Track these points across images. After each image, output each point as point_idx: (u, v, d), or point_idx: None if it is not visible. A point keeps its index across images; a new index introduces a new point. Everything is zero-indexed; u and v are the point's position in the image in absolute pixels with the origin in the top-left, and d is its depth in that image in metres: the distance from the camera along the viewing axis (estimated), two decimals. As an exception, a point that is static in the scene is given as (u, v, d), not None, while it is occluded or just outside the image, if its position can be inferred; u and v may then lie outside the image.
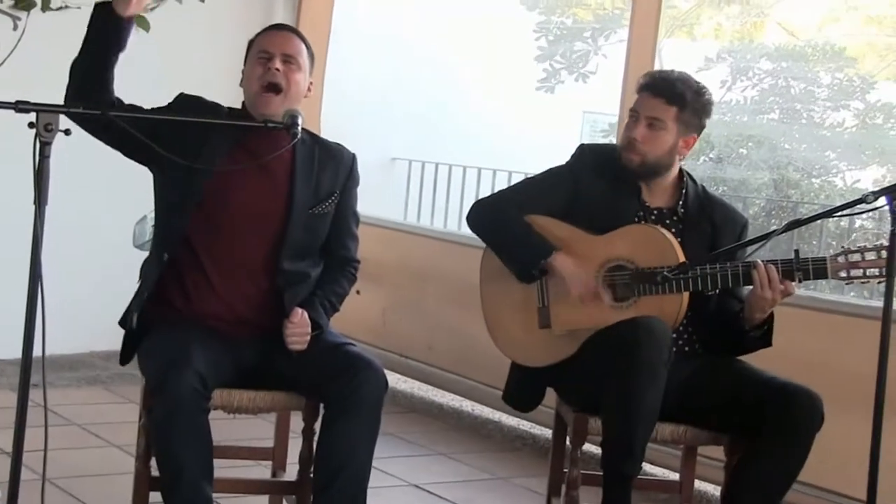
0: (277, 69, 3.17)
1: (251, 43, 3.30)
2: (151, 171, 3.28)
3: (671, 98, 3.28)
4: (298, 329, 3.14)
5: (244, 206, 3.19)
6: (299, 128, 3.04)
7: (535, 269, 3.33)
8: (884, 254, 2.95)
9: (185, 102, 3.23)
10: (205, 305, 3.19)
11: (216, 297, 3.18)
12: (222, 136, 3.19)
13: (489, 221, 3.45)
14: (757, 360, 3.31)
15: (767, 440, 3.09)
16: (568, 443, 3.37)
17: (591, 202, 3.35)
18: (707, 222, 3.38)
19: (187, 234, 3.18)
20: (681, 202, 3.39)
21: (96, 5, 3.06)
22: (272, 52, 3.20)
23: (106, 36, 3.02)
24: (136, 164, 3.24)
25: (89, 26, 3.04)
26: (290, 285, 3.22)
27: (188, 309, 3.19)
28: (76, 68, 3.07)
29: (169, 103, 3.22)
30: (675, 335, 3.23)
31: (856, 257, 3.04)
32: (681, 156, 3.35)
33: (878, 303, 2.76)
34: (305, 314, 3.16)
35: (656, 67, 4.76)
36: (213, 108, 3.23)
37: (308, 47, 3.29)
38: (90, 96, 2.98)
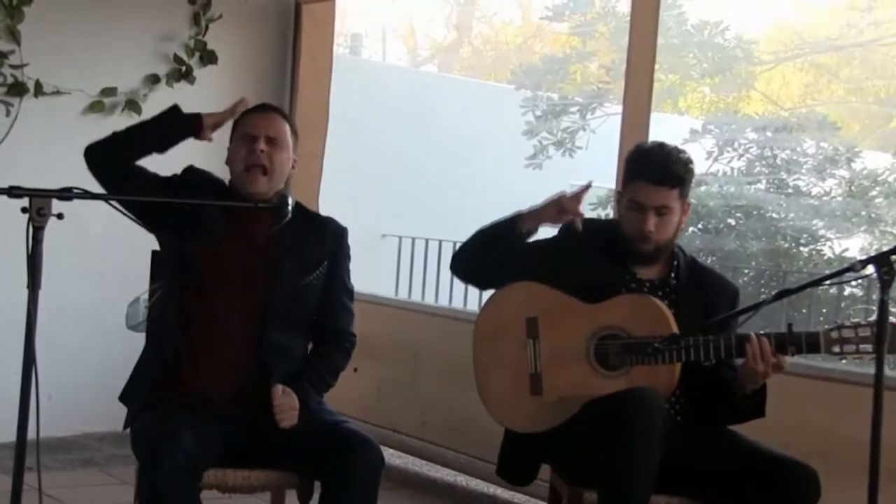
0: (262, 150, 3.24)
1: (236, 123, 3.37)
2: (165, 237, 3.32)
3: (672, 183, 3.29)
4: (281, 403, 3.12)
5: (231, 276, 3.22)
6: (289, 207, 3.11)
7: (523, 228, 3.37)
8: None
9: (193, 175, 3.35)
10: (191, 379, 3.17)
11: (203, 370, 3.18)
12: (216, 210, 3.26)
13: (467, 245, 3.51)
14: (751, 428, 3.30)
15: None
16: (564, 516, 3.35)
17: (581, 273, 3.34)
18: (699, 292, 3.37)
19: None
20: (673, 274, 3.40)
21: (175, 108, 3.28)
22: (256, 134, 3.27)
23: (165, 137, 3.23)
24: (130, 244, 3.27)
25: (157, 120, 3.26)
26: (275, 357, 3.21)
27: (176, 383, 3.18)
28: (116, 140, 3.23)
29: (177, 174, 3.33)
30: (667, 405, 3.23)
31: (849, 333, 3.00)
32: (682, 224, 3.39)
33: (872, 370, 2.74)
34: (287, 389, 3.15)
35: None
36: (215, 182, 3.34)
37: (292, 126, 3.36)
38: (111, 166, 3.17)
